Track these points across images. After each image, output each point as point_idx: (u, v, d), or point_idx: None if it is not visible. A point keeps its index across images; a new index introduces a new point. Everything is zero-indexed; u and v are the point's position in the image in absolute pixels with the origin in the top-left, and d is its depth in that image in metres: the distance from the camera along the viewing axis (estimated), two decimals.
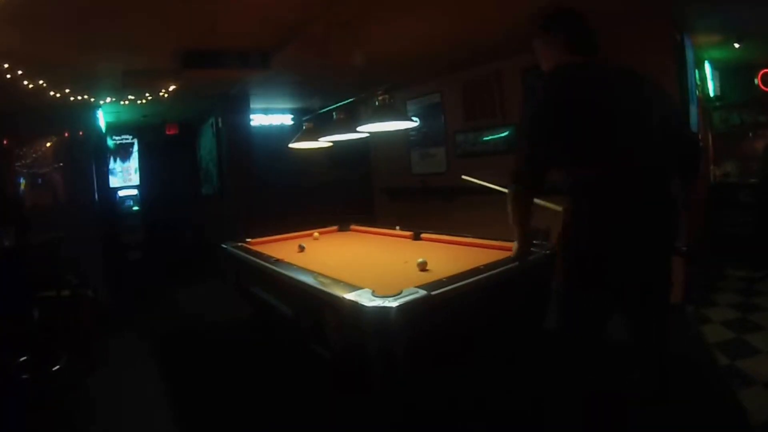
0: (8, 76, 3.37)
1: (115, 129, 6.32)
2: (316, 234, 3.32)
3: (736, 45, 3.96)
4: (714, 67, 4.78)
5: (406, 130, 4.91)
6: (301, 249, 2.74)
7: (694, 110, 3.68)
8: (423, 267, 2.04)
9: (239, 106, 5.19)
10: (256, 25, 3.09)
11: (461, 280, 1.68)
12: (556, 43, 1.57)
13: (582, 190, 1.46)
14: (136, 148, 6.63)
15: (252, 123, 5.55)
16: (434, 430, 1.85)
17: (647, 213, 1.41)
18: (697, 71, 4.11)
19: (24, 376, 2.60)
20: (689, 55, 3.60)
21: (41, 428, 2.28)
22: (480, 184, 2.79)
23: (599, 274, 1.44)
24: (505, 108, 4.42)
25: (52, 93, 4.01)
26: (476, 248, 2.46)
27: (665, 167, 1.48)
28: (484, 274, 1.78)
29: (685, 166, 1.59)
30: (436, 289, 1.57)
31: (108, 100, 4.83)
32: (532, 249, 2.01)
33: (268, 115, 6.15)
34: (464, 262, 2.03)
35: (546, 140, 1.47)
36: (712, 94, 4.82)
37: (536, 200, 1.70)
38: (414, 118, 4.15)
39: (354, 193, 6.32)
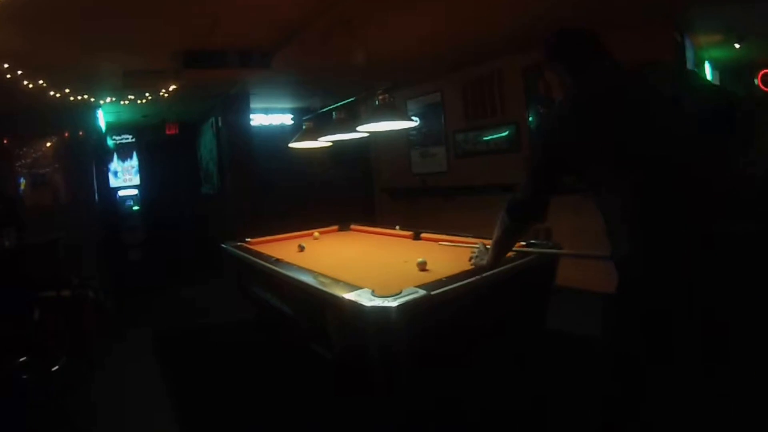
0: (8, 76, 3.36)
1: (115, 129, 6.31)
2: (316, 234, 3.32)
3: (736, 45, 3.96)
4: (714, 67, 4.78)
5: (407, 129, 4.92)
6: (301, 249, 2.74)
7: None
8: (423, 267, 2.04)
9: (239, 106, 5.19)
10: (257, 25, 3.09)
11: (461, 280, 1.68)
12: (559, 69, 1.49)
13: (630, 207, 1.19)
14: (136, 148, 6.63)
15: (252, 123, 5.54)
16: (435, 430, 1.85)
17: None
18: (697, 71, 4.11)
19: (24, 376, 2.59)
20: (689, 55, 3.60)
21: (41, 428, 2.28)
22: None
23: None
24: (505, 107, 4.42)
25: (52, 93, 4.00)
26: None
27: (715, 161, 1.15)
28: (484, 274, 1.78)
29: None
30: (436, 289, 1.57)
31: (108, 100, 4.83)
32: (532, 249, 2.02)
33: (269, 115, 6.15)
34: (464, 262, 2.02)
35: (561, 163, 1.36)
36: None
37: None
38: (414, 118, 4.15)
39: (354, 193, 6.31)
